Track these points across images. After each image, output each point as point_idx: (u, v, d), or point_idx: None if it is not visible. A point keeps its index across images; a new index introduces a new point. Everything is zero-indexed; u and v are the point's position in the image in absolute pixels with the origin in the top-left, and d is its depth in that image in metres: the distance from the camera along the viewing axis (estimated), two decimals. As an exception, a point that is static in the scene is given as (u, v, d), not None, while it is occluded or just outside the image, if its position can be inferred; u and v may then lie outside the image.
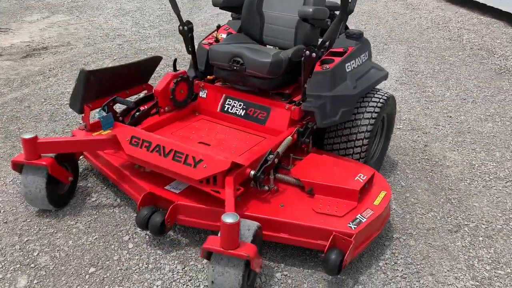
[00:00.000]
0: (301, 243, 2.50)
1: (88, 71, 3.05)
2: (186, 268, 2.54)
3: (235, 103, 3.17)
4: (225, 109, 3.20)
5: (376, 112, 3.12)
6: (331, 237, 2.36)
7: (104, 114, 2.84)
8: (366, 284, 2.50)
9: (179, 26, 3.17)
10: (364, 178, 2.71)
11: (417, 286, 2.51)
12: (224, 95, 3.21)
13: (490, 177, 3.65)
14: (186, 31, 3.16)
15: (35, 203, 2.84)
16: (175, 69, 3.23)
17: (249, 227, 2.21)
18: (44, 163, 2.71)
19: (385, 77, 3.37)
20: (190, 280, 2.46)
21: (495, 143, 4.22)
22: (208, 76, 3.39)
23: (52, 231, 2.79)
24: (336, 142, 3.17)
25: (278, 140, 2.82)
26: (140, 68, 3.53)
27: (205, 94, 3.28)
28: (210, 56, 3.12)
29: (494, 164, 3.85)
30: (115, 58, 6.07)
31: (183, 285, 2.42)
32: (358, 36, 3.21)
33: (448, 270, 2.64)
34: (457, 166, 3.79)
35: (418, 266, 2.65)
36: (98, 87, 3.27)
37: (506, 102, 5.22)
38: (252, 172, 2.54)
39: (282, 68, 2.94)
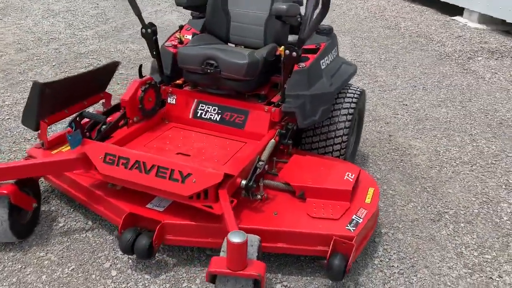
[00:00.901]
0: (300, 251, 2.41)
1: (42, 83, 2.75)
2: (180, 291, 2.36)
3: (208, 108, 3.00)
4: (198, 115, 3.02)
5: (352, 108, 3.09)
6: (332, 242, 2.29)
7: (72, 131, 2.56)
8: (367, 285, 2.47)
9: (141, 29, 2.93)
10: (353, 177, 2.66)
11: (415, 280, 2.51)
12: (196, 100, 3.03)
13: (456, 162, 3.76)
14: (150, 34, 2.92)
15: (-4, 237, 2.52)
16: (140, 75, 3.00)
17: (252, 243, 2.08)
18: (5, 191, 2.40)
19: (355, 71, 3.34)
20: (188, 304, 2.29)
21: (452, 128, 4.37)
22: (176, 81, 3.18)
23: (20, 266, 2.49)
24: (315, 141, 3.10)
25: (261, 145, 2.70)
26: (97, 76, 3.25)
27: (174, 100, 3.07)
28: (179, 60, 2.92)
29: (457, 149, 3.98)
30: (54, 64, 5.62)
31: (181, 310, 2.25)
32: (328, 32, 3.15)
33: (440, 261, 2.66)
34: (424, 154, 3.88)
35: (412, 260, 2.66)
36: (55, 100, 2.96)
37: (452, 87, 5.44)
38: (244, 182, 2.40)
39: (259, 69, 2.82)
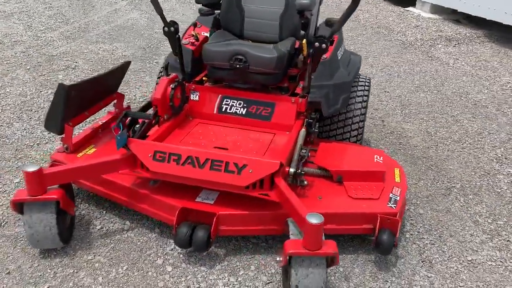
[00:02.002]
0: (348, 230, 2.57)
1: (69, 86, 2.71)
2: (239, 279, 2.45)
3: (233, 102, 3.07)
4: (223, 109, 3.09)
5: (365, 95, 3.29)
6: (379, 220, 2.46)
7: (118, 131, 2.55)
8: (406, 256, 2.67)
9: (163, 28, 2.94)
10: (381, 159, 2.86)
11: (446, 249, 2.75)
12: (220, 95, 3.09)
13: (448, 142, 4.08)
14: (173, 32, 2.94)
15: (42, 244, 2.47)
16: (167, 73, 3.01)
17: (318, 224, 2.21)
18: (55, 196, 2.36)
19: (361, 61, 3.54)
20: (251, 289, 2.38)
21: (435, 111, 4.71)
22: (195, 78, 3.22)
23: (72, 271, 2.46)
24: (332, 128, 3.27)
25: (294, 134, 2.82)
26: (112, 76, 3.23)
27: (197, 96, 3.12)
28: (205, 57, 2.97)
29: (445, 130, 4.31)
30: (28, 67, 5.39)
31: (247, 296, 2.34)
32: (338, 24, 3.31)
33: (461, 230, 2.93)
34: (418, 136, 4.17)
35: (438, 231, 2.90)
36: (78, 102, 2.93)
37: (423, 74, 5.82)
38: (292, 170, 2.51)
39: (285, 62, 2.93)
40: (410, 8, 8.77)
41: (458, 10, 7.87)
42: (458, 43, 7.09)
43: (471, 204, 3.20)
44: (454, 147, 3.98)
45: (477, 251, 2.75)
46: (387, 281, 2.49)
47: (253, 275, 2.48)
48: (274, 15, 3.21)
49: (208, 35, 3.31)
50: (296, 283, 2.10)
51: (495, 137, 4.20)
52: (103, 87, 3.16)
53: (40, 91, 4.68)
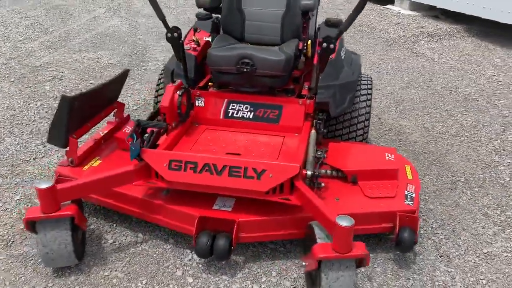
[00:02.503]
0: (368, 230, 2.56)
1: (72, 97, 2.63)
2: (263, 286, 2.41)
3: (240, 106, 3.03)
4: (230, 114, 3.04)
5: (369, 94, 3.30)
6: (398, 218, 2.47)
7: (133, 141, 2.47)
8: (423, 252, 2.68)
9: (166, 34, 2.87)
10: (393, 157, 2.86)
11: (461, 243, 2.78)
12: (226, 100, 3.04)
13: (446, 136, 4.14)
14: (176, 38, 2.87)
15: (57, 263, 2.38)
16: (173, 80, 2.95)
17: (342, 226, 2.19)
18: (69, 212, 2.28)
19: (361, 59, 3.55)
20: (276, 296, 2.34)
21: (429, 106, 4.77)
22: (199, 84, 3.17)
23: (90, 289, 2.38)
24: (338, 128, 3.27)
25: (305, 136, 2.81)
26: (113, 86, 3.15)
27: (202, 102, 3.07)
28: (210, 62, 2.92)
29: (441, 124, 4.37)
30: (12, 80, 5.23)
31: (273, 303, 2.31)
32: (339, 24, 3.32)
33: (473, 223, 2.96)
34: (416, 132, 4.21)
35: (450, 226, 2.92)
36: (81, 114, 2.85)
37: (411, 70, 5.89)
38: (309, 173, 2.49)
39: (291, 64, 2.91)
40: (390, 6, 8.89)
41: (437, 6, 8.02)
42: (440, 38, 7.22)
43: (478, 197, 3.24)
44: (453, 141, 4.03)
45: (491, 243, 2.79)
46: (409, 279, 2.49)
47: (276, 281, 2.44)
48: (275, 17, 3.19)
49: (210, 40, 3.26)
50: (327, 287, 2.07)
51: (490, 129, 4.28)
52: (104, 97, 3.09)
53: (29, 104, 4.54)
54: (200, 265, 2.53)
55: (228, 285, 2.41)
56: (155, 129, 2.72)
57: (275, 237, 2.52)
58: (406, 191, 2.67)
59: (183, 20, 8.07)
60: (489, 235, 2.85)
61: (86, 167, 2.84)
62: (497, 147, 3.95)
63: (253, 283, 2.42)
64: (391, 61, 6.20)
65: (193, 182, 2.39)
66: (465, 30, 7.60)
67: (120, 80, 3.21)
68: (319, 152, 2.62)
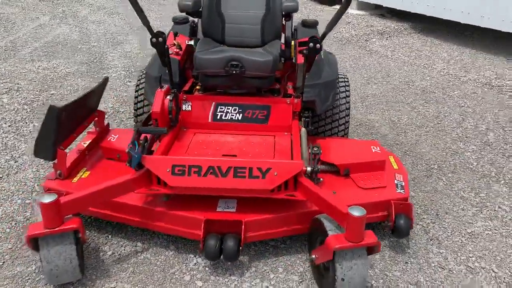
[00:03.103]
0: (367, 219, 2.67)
1: (60, 107, 2.55)
2: (273, 283, 2.45)
3: (228, 109, 3.05)
4: (218, 117, 3.06)
5: (347, 91, 3.43)
6: (393, 206, 2.60)
7: (135, 149, 2.43)
8: (414, 237, 2.83)
9: (151, 39, 2.83)
10: (378, 149, 3.01)
11: (446, 225, 2.96)
12: (213, 103, 3.06)
13: (413, 127, 4.37)
14: (162, 42, 2.84)
15: (61, 279, 2.30)
16: (161, 85, 2.91)
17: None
18: (75, 226, 2.21)
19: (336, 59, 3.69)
20: (287, 291, 2.40)
21: (391, 100, 5.02)
22: (183, 88, 3.16)
23: (98, 302, 2.31)
24: (321, 125, 3.38)
25: (296, 135, 2.88)
26: (95, 94, 3.08)
27: (189, 106, 3.06)
28: (198, 65, 2.92)
29: (406, 116, 4.61)
30: (-36, 94, 4.92)
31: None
32: (315, 25, 3.43)
33: (453, 206, 3.17)
34: (384, 125, 4.42)
35: (434, 210, 3.11)
36: (68, 124, 2.77)
37: (368, 67, 6.15)
38: (309, 169, 2.57)
39: (277, 64, 2.98)
40: (338, 6, 9.20)
41: (384, 5, 8.40)
42: (389, 36, 7.58)
43: (453, 182, 3.46)
44: (420, 132, 4.27)
45: (472, 223, 2.99)
46: (407, 263, 2.63)
47: (284, 276, 2.50)
48: (255, 19, 3.24)
49: (192, 44, 3.25)
50: (342, 276, 2.15)
51: (451, 118, 4.57)
52: (87, 106, 3.01)
53: (-11, 118, 4.30)
54: (206, 268, 2.53)
55: (238, 285, 2.43)
56: (148, 136, 2.68)
57: (280, 234, 2.56)
58: (396, 180, 2.81)
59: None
60: (469, 216, 3.06)
61: (75, 179, 2.76)
62: (460, 135, 4.23)
63: (262, 281, 2.45)
64: (348, 59, 6.44)
65: (198, 185, 2.40)
66: (411, 27, 8.02)
67: (101, 89, 3.14)
68: (315, 148, 2.70)
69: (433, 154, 3.86)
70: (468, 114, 4.68)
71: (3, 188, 3.24)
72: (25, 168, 3.50)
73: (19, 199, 3.12)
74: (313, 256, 2.33)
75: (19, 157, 3.66)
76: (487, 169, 3.64)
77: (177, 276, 2.48)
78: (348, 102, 3.39)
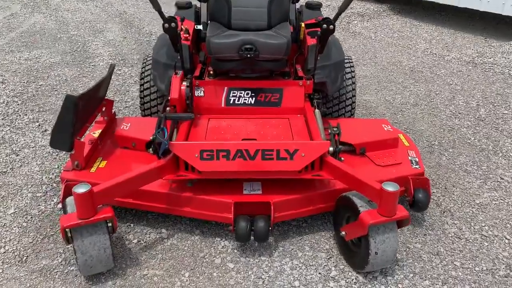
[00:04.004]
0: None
1: (77, 97, 2.51)
2: (302, 260, 2.51)
3: (241, 93, 3.06)
4: (231, 102, 3.06)
5: (353, 71, 3.49)
6: (411, 181, 2.69)
7: (164, 137, 2.40)
8: (429, 212, 2.94)
9: (163, 24, 2.79)
10: (390, 127, 3.09)
11: (455, 198, 3.09)
12: (226, 88, 3.05)
13: (408, 106, 4.49)
14: (174, 28, 2.80)
15: (95, 269, 2.28)
16: (175, 71, 2.88)
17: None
18: (109, 214, 2.20)
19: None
20: (317, 267, 2.45)
21: (383, 81, 5.13)
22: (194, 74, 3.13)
23: (133, 290, 2.31)
24: (328, 106, 3.43)
25: (311, 116, 2.92)
26: (105, 83, 3.03)
27: (202, 92, 3.04)
28: (212, 50, 2.89)
29: (400, 96, 4.73)
30: None
31: (316, 273, 2.41)
32: (319, 6, 3.46)
33: (459, 179, 3.30)
34: (381, 105, 4.52)
35: (442, 184, 3.23)
36: (83, 114, 2.72)
37: (353, 49, 6.24)
38: (331, 149, 2.62)
39: (290, 47, 3.00)
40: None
41: (362, -12, 8.47)
42: (370, 17, 7.69)
43: (454, 156, 3.60)
44: (416, 110, 4.39)
45: (479, 194, 3.13)
46: (426, 235, 2.73)
47: (311, 254, 2.55)
48: (262, 1, 3.23)
49: (201, 28, 3.22)
50: (376, 250, 2.22)
51: (442, 96, 4.72)
52: (99, 95, 2.96)
53: (-19, 112, 4.15)
54: (235, 251, 2.56)
55: (269, 265, 2.47)
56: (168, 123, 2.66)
57: (305, 213, 2.61)
58: (409, 157, 2.90)
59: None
60: (475, 188, 3.20)
61: (93, 169, 2.72)
62: (454, 111, 4.38)
63: (292, 260, 2.51)
64: (333, 41, 6.49)
65: (227, 169, 2.41)
66: (389, 9, 8.15)
67: (110, 77, 3.09)
68: (335, 128, 2.75)
69: (431, 131, 3.98)
70: (457, 92, 4.83)
71: (10, 183, 3.16)
72: (29, 161, 3.42)
73: (29, 192, 3.05)
74: (343, 233, 2.39)
75: (19, 150, 3.56)
76: (484, 143, 3.79)
77: (207, 259, 2.50)
78: (354, 83, 3.45)
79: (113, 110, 3.25)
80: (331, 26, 2.83)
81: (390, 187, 2.15)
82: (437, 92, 4.80)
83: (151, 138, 2.48)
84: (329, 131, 2.74)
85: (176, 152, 2.41)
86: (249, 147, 2.42)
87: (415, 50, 6.17)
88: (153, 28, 6.97)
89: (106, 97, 3.16)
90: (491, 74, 5.35)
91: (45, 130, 3.88)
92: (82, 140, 2.77)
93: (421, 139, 3.84)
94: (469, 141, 3.83)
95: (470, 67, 5.54)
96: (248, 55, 2.86)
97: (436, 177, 3.29)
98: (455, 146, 3.74)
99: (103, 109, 3.14)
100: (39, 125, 3.96)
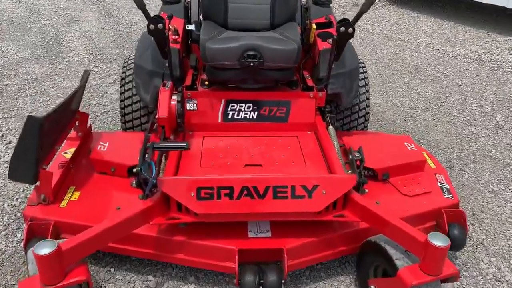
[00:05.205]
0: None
1: (43, 117, 2.01)
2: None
3: (241, 106, 2.58)
4: (229, 116, 2.59)
5: (366, 78, 3.05)
6: (445, 215, 2.28)
7: (152, 172, 1.92)
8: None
9: (148, 25, 2.28)
10: (413, 146, 2.66)
11: (487, 228, 2.70)
12: (223, 100, 2.57)
13: (418, 111, 4.09)
14: (161, 29, 2.29)
15: None
16: (164, 83, 2.38)
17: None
18: (83, 277, 1.72)
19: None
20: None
21: (387, 81, 4.70)
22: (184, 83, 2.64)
23: None
24: (339, 118, 2.98)
25: (323, 134, 2.48)
26: (79, 94, 2.52)
27: (195, 105, 2.56)
28: (209, 57, 2.40)
29: (408, 99, 4.31)
30: None
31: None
32: (329, 2, 2.99)
33: (487, 202, 2.92)
34: (388, 109, 4.10)
35: (469, 208, 2.85)
36: (51, 136, 2.22)
37: (352, 43, 5.77)
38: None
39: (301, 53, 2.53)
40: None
41: (356, -24, 7.99)
42: (365, 8, 7.21)
43: (477, 173, 3.21)
44: (427, 116, 3.98)
45: (512, 222, 2.75)
46: (461, 277, 2.34)
47: (331, 305, 2.13)
48: (264, -1, 2.74)
49: (193, 29, 2.71)
50: (415, 312, 1.81)
51: (453, 99, 4.32)
52: (71, 108, 2.45)
53: None
54: (239, 304, 2.11)
55: (282, 324, 2.03)
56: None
57: (324, 259, 2.18)
58: (438, 183, 2.48)
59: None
60: (508, 214, 2.82)
61: (63, 203, 2.23)
62: (468, 117, 3.99)
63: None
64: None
65: (230, 211, 1.94)
66: (385, -1, 7.71)
67: (84, 86, 2.58)
68: (357, 154, 2.30)
69: (447, 142, 3.58)
70: (468, 94, 4.45)
71: (-37, 213, 2.63)
72: (-11, 185, 2.89)
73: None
74: (372, 287, 1.96)
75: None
76: (507, 157, 3.41)
77: (206, 317, 2.05)
78: (368, 91, 3.00)
79: (88, 123, 2.74)
80: (351, 29, 2.36)
81: (438, 242, 1.73)
82: (447, 95, 4.40)
83: (134, 171, 2.00)
84: (349, 156, 2.29)
85: (165, 191, 1.93)
86: (258, 183, 1.95)
87: (417, 45, 5.75)
88: (134, 17, 6.37)
89: (79, 110, 2.65)
90: (500, 73, 4.97)
91: (10, 142, 3.34)
92: (49, 168, 2.27)
93: (438, 151, 3.44)
94: (491, 153, 3.45)
95: (478, 65, 5.16)
96: (251, 63, 2.38)
97: (461, 199, 2.90)
98: (476, 161, 3.35)
99: (76, 123, 2.63)
100: (2, 136, 3.42)
